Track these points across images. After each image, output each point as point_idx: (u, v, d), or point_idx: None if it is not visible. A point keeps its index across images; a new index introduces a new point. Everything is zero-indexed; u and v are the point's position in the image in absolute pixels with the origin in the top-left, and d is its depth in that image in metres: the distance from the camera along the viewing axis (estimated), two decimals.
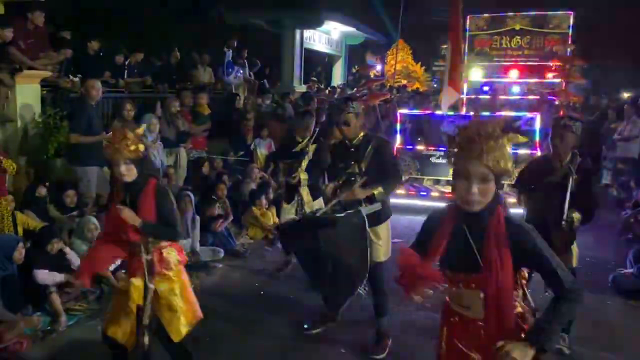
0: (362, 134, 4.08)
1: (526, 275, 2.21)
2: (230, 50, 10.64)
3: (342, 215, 3.83)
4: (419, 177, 8.80)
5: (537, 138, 8.16)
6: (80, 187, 6.09)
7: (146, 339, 3.05)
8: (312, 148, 5.36)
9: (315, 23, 14.24)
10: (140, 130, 3.11)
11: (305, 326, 4.44)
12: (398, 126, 9.06)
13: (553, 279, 2.01)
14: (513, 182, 5.00)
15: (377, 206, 3.97)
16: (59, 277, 4.58)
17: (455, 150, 2.00)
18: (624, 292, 5.34)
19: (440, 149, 8.58)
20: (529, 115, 8.34)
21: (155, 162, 6.99)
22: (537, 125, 8.21)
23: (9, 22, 6.38)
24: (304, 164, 5.36)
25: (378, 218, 4.00)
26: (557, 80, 11.30)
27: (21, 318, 4.19)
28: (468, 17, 11.55)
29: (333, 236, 3.71)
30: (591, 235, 6.06)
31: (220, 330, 4.40)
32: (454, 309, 2.16)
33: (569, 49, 11.17)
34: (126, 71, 8.70)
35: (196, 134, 8.13)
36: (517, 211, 4.59)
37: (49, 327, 4.28)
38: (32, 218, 5.30)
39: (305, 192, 5.41)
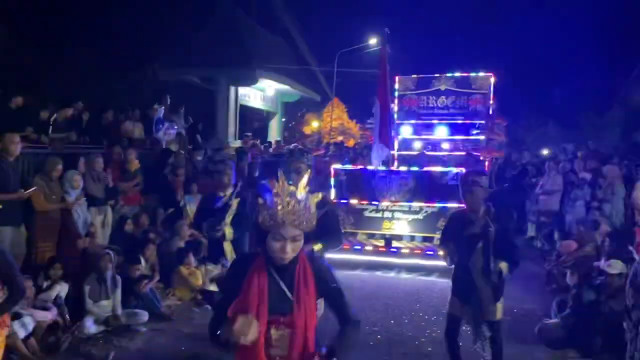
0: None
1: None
2: (162, 107, 10.56)
3: None
4: (354, 231, 8.83)
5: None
6: None
7: None
8: (235, 202, 5.23)
9: (249, 81, 14.47)
10: None
11: None
12: (332, 181, 9.14)
13: (343, 311, 2.40)
14: (439, 239, 5.08)
15: None
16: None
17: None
18: (550, 343, 5.41)
19: (373, 203, 8.70)
20: (455, 170, 8.63)
21: (79, 221, 6.70)
22: None
23: None
24: (228, 219, 5.18)
25: None
26: (480, 137, 11.88)
27: None
28: (397, 77, 12.07)
29: None
30: (517, 287, 6.21)
31: None
32: (268, 352, 2.28)
33: (490, 108, 11.82)
34: (51, 127, 8.39)
35: (125, 190, 7.87)
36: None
37: None
38: None
39: (229, 247, 5.21)
